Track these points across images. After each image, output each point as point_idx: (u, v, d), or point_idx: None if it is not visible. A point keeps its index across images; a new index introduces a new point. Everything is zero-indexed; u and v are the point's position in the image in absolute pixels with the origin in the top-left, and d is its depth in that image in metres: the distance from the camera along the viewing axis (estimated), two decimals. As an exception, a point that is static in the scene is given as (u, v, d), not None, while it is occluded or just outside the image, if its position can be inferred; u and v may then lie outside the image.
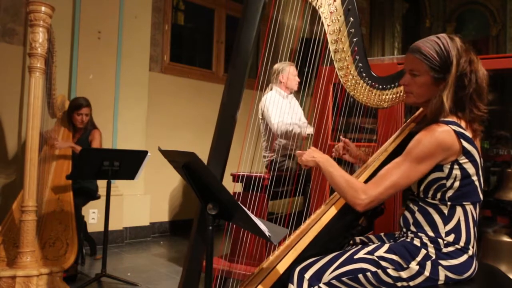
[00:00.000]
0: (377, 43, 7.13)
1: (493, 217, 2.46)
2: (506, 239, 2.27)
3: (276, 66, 3.23)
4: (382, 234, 1.55)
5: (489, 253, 2.29)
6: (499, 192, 2.39)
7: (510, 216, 2.42)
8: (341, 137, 1.74)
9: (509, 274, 2.11)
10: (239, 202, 1.16)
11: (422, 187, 1.30)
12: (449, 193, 1.26)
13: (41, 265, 2.36)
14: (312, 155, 1.46)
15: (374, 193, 1.27)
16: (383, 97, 1.65)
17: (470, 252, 1.26)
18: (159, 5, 4.52)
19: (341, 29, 1.60)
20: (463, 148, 1.23)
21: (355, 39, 1.60)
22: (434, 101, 1.29)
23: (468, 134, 1.26)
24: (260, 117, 3.20)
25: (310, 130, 3.02)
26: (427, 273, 1.23)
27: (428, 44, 1.31)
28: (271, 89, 3.25)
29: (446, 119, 1.26)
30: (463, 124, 1.28)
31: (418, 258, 1.24)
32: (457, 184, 1.25)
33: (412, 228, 1.31)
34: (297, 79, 3.26)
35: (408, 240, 1.30)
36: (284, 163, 3.08)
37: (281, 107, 3.08)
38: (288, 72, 3.21)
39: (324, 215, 1.43)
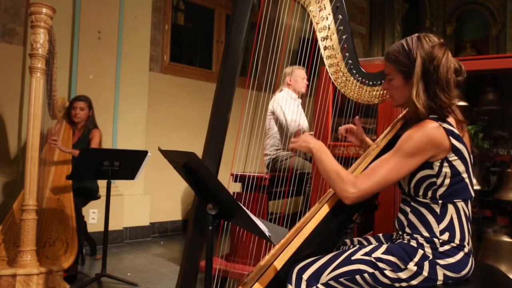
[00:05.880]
0: (377, 43, 7.13)
1: (493, 217, 2.46)
2: (506, 239, 2.27)
3: (286, 69, 3.26)
4: (380, 234, 1.56)
5: (489, 253, 2.29)
6: (499, 192, 2.39)
7: (510, 216, 2.42)
8: (356, 117, 1.72)
9: (509, 274, 2.11)
10: (239, 202, 1.16)
11: (412, 184, 1.31)
12: (440, 191, 1.27)
13: (41, 264, 2.37)
14: (307, 140, 1.46)
15: (363, 186, 1.28)
16: (374, 93, 1.66)
17: (466, 250, 1.26)
18: (159, 5, 4.53)
19: (330, 26, 1.61)
20: (452, 145, 1.25)
21: (344, 36, 1.61)
22: (410, 103, 1.31)
23: (457, 131, 1.27)
24: (270, 115, 3.21)
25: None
26: (425, 273, 1.23)
27: (395, 46, 1.35)
28: (281, 91, 3.27)
29: (435, 116, 1.28)
30: (452, 121, 1.29)
31: (416, 259, 1.24)
32: (447, 181, 1.26)
33: (407, 230, 1.32)
34: (305, 82, 3.28)
35: (405, 242, 1.30)
36: (286, 161, 3.08)
37: (291, 107, 3.10)
38: (296, 75, 3.24)
39: (318, 212, 1.44)
